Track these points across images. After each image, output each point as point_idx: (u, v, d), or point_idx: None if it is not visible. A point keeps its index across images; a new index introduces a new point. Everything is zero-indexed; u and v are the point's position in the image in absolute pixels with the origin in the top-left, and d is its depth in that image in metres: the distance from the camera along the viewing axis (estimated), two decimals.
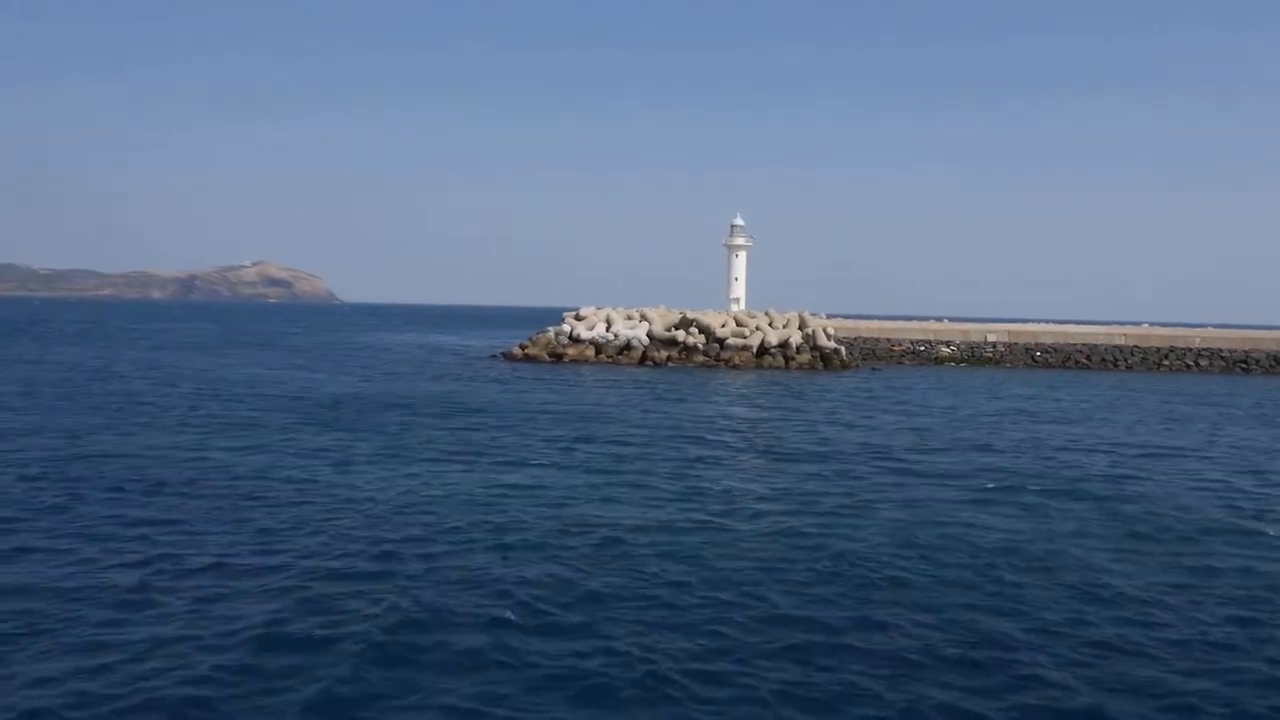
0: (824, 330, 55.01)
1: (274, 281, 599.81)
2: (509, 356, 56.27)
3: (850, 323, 63.76)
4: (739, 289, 64.47)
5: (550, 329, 57.22)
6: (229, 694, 8.67)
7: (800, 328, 54.95)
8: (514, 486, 17.98)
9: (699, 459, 21.89)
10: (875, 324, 65.09)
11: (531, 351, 55.10)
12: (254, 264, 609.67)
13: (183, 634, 10.03)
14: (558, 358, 53.61)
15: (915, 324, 65.53)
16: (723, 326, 54.54)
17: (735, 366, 51.33)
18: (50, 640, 9.80)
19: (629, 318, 56.35)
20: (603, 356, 53.45)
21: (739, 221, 64.48)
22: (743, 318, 55.99)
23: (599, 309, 57.11)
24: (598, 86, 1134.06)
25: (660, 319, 55.79)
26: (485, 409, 30.24)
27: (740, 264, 64.60)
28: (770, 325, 55.01)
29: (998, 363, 59.71)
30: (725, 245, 65.00)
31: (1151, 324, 71.05)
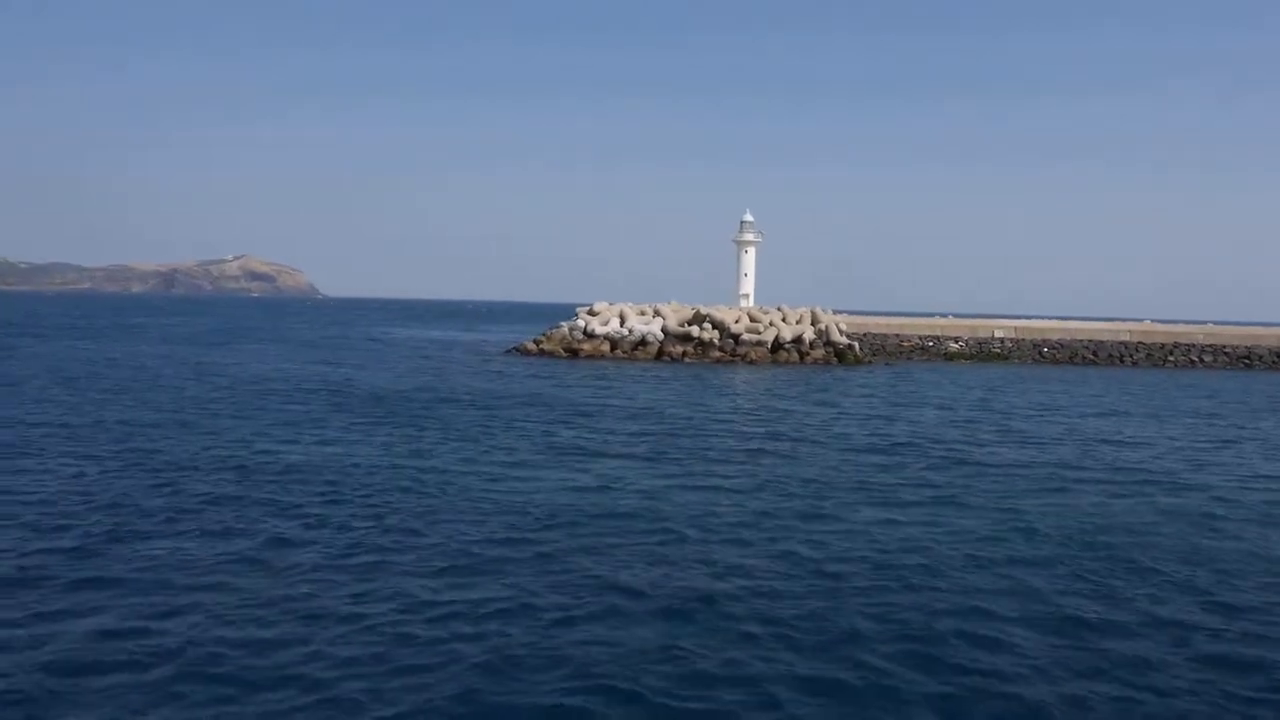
0: (837, 326, 55.53)
1: (256, 276, 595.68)
2: (524, 351, 56.41)
3: (858, 319, 64.31)
4: (748, 285, 64.84)
5: (564, 324, 57.40)
6: (398, 666, 9.00)
7: (813, 323, 55.43)
8: (602, 477, 18.27)
9: (762, 450, 22.24)
10: (883, 320, 65.68)
11: (547, 347, 55.27)
12: (236, 258, 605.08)
13: (347, 610, 10.31)
14: (574, 353, 53.75)
15: (923, 320, 66.15)
16: (736, 322, 54.90)
17: (752, 362, 51.71)
18: (220, 633, 10.05)
19: (642, 313, 56.61)
20: (618, 352, 53.68)
21: (748, 218, 64.87)
22: (756, 313, 56.38)
23: (611, 304, 57.39)
24: (592, 83, 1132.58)
25: (674, 314, 56.06)
26: (530, 403, 30.44)
27: (750, 260, 64.96)
28: (784, 321, 55.44)
29: (1006, 358, 60.37)
30: (735, 241, 65.36)
31: (1153, 320, 71.99)
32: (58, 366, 40.12)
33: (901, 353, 60.86)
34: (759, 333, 54.01)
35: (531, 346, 56.45)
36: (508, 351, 58.31)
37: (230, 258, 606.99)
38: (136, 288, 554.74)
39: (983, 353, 61.02)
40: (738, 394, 35.66)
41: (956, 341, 61.89)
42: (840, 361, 52.79)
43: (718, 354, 52.85)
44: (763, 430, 25.64)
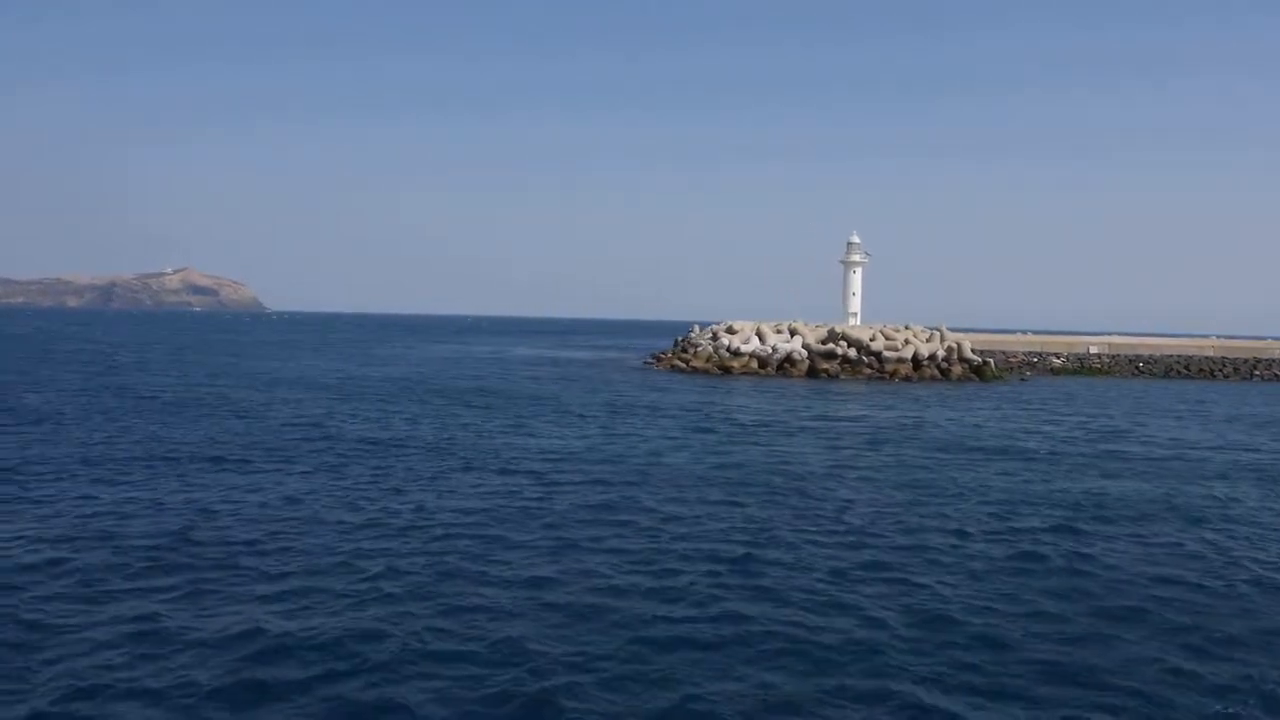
0: (966, 343, 58.75)
1: (198, 289, 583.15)
2: (672, 368, 58.45)
3: (968, 336, 67.68)
4: (856, 304, 67.94)
5: (704, 342, 59.68)
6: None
7: (941, 341, 58.55)
8: (919, 469, 21.06)
9: (1041, 457, 24.84)
10: (982, 336, 69.20)
11: (697, 364, 57.43)
12: (177, 271, 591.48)
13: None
14: (726, 370, 56.01)
15: (1016, 336, 69.92)
16: (873, 340, 57.70)
17: (906, 378, 54.42)
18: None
19: (778, 331, 59.25)
20: (768, 369, 56.03)
21: (855, 239, 68.02)
22: (889, 331, 59.30)
23: (746, 322, 59.94)
24: (574, 91, 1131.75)
25: (810, 332, 58.75)
26: (759, 420, 31.88)
27: (857, 280, 68.07)
28: (915, 338, 58.44)
29: (1106, 373, 64.27)
30: (842, 262, 68.45)
31: (1219, 336, 76.94)
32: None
33: (1010, 368, 64.32)
34: (896, 350, 56.88)
35: (680, 363, 58.56)
36: (643, 367, 60.16)
37: (170, 270, 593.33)
38: (72, 302, 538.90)
39: (1083, 368, 64.88)
40: (947, 408, 37.47)
41: (1058, 357, 65.70)
42: (980, 378, 55.93)
43: (868, 371, 55.57)
44: (1026, 440, 28.13)
